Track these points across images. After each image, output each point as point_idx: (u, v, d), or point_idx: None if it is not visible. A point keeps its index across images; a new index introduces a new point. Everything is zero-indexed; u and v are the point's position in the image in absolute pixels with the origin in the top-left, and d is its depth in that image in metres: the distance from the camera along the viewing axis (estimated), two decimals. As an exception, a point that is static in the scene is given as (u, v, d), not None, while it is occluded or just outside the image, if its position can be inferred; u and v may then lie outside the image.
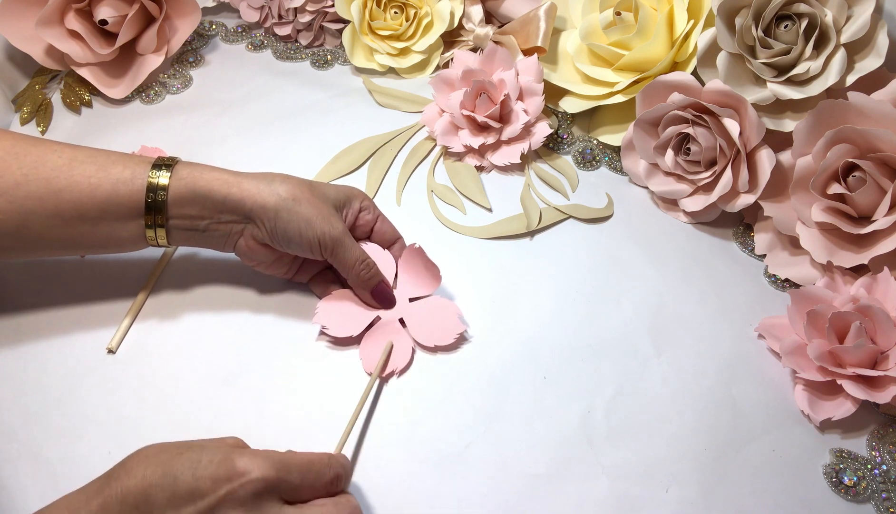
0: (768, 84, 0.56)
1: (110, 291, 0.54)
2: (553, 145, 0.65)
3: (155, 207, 0.47)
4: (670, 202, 0.61)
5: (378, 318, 0.52)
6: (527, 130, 0.63)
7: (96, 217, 0.46)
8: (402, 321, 0.52)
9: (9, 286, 0.54)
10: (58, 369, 0.50)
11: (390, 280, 0.53)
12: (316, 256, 0.49)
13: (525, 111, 0.62)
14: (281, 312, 0.53)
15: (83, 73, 0.66)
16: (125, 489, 0.35)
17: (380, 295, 0.51)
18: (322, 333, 0.52)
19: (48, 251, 0.48)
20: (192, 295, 0.54)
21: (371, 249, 0.53)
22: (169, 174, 0.47)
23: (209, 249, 0.51)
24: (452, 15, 0.69)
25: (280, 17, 0.73)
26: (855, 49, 0.54)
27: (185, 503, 0.35)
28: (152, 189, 0.46)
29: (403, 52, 0.70)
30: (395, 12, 0.69)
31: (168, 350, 0.51)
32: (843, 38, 0.53)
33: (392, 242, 0.54)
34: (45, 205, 0.45)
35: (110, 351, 0.51)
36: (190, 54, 0.72)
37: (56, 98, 0.68)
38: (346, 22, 0.71)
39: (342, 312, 0.51)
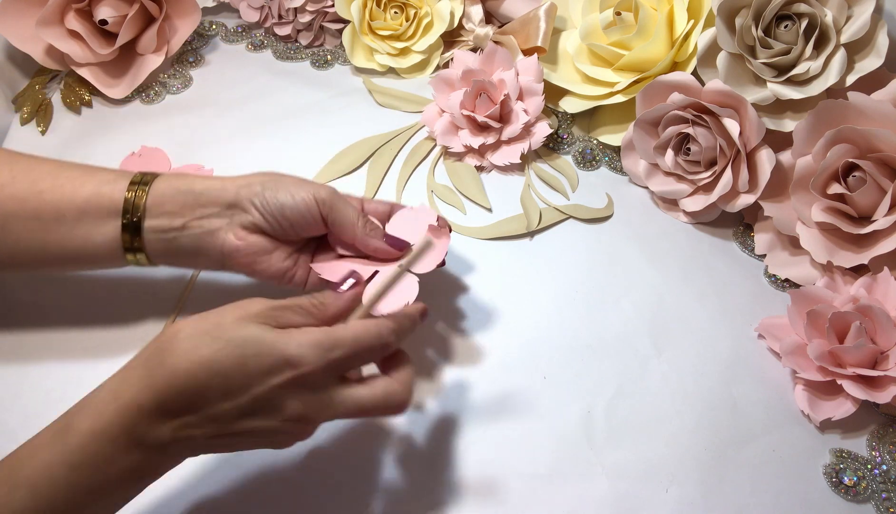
0: (768, 84, 0.56)
1: (110, 290, 0.54)
2: (553, 145, 0.65)
3: (134, 205, 0.45)
4: (670, 202, 0.61)
5: (354, 272, 0.45)
6: (527, 130, 0.63)
7: (74, 218, 0.45)
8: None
9: (8, 286, 0.54)
10: (58, 369, 0.50)
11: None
12: (314, 217, 0.46)
13: (525, 111, 0.62)
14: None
15: (83, 73, 0.66)
16: (174, 386, 0.35)
17: (393, 239, 0.48)
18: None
19: (22, 261, 0.47)
20: (199, 293, 0.54)
21: (402, 217, 0.50)
22: (153, 177, 0.46)
23: (188, 267, 0.49)
24: (452, 15, 0.69)
25: (280, 17, 0.73)
26: (855, 49, 0.54)
27: (240, 395, 0.36)
28: (134, 184, 0.46)
29: (403, 52, 0.70)
30: (395, 12, 0.69)
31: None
32: (843, 38, 0.53)
33: (386, 217, 0.51)
34: (26, 207, 0.45)
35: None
36: (190, 54, 0.72)
37: (56, 98, 0.68)
38: (346, 22, 0.71)
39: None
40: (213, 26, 0.76)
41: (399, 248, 0.48)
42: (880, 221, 0.50)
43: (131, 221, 0.45)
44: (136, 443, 0.35)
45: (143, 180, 0.46)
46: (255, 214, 0.46)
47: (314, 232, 0.48)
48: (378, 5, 0.69)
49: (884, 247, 0.51)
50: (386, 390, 0.40)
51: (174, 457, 0.37)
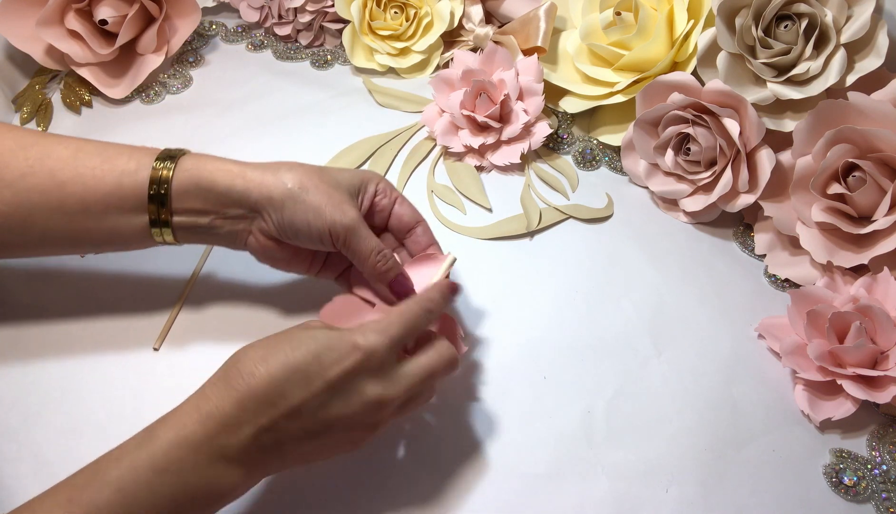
0: (768, 84, 0.56)
1: (110, 290, 0.54)
2: (553, 145, 0.65)
3: (158, 199, 0.45)
4: (670, 202, 0.61)
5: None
6: (527, 130, 0.63)
7: (100, 211, 0.45)
8: None
9: (8, 286, 0.54)
10: (58, 368, 0.50)
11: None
12: (328, 247, 0.46)
13: (525, 111, 0.62)
14: (293, 307, 0.53)
15: (83, 73, 0.66)
16: (254, 388, 0.37)
17: (398, 288, 0.47)
18: None
19: (52, 248, 0.48)
20: (199, 293, 0.54)
21: (414, 273, 0.49)
22: (174, 165, 0.45)
23: (219, 245, 0.49)
24: (452, 15, 0.69)
25: (280, 17, 0.73)
26: (855, 49, 0.54)
27: (317, 382, 0.38)
28: (156, 181, 0.45)
29: (403, 52, 0.70)
30: (395, 12, 0.69)
31: (169, 349, 0.52)
32: (843, 38, 0.53)
33: (412, 225, 0.49)
34: (49, 198, 0.45)
35: (155, 349, 0.51)
36: (190, 54, 0.72)
37: (56, 98, 0.68)
38: (346, 22, 0.71)
39: (345, 315, 0.48)
40: (213, 26, 0.76)
41: (402, 295, 0.47)
42: (880, 221, 0.50)
43: (158, 216, 0.46)
44: (219, 454, 0.37)
45: (162, 176, 0.45)
46: (271, 225, 0.46)
47: (328, 250, 0.48)
48: (378, 5, 0.69)
49: (884, 247, 0.51)
50: (436, 349, 0.43)
51: (254, 471, 0.39)
